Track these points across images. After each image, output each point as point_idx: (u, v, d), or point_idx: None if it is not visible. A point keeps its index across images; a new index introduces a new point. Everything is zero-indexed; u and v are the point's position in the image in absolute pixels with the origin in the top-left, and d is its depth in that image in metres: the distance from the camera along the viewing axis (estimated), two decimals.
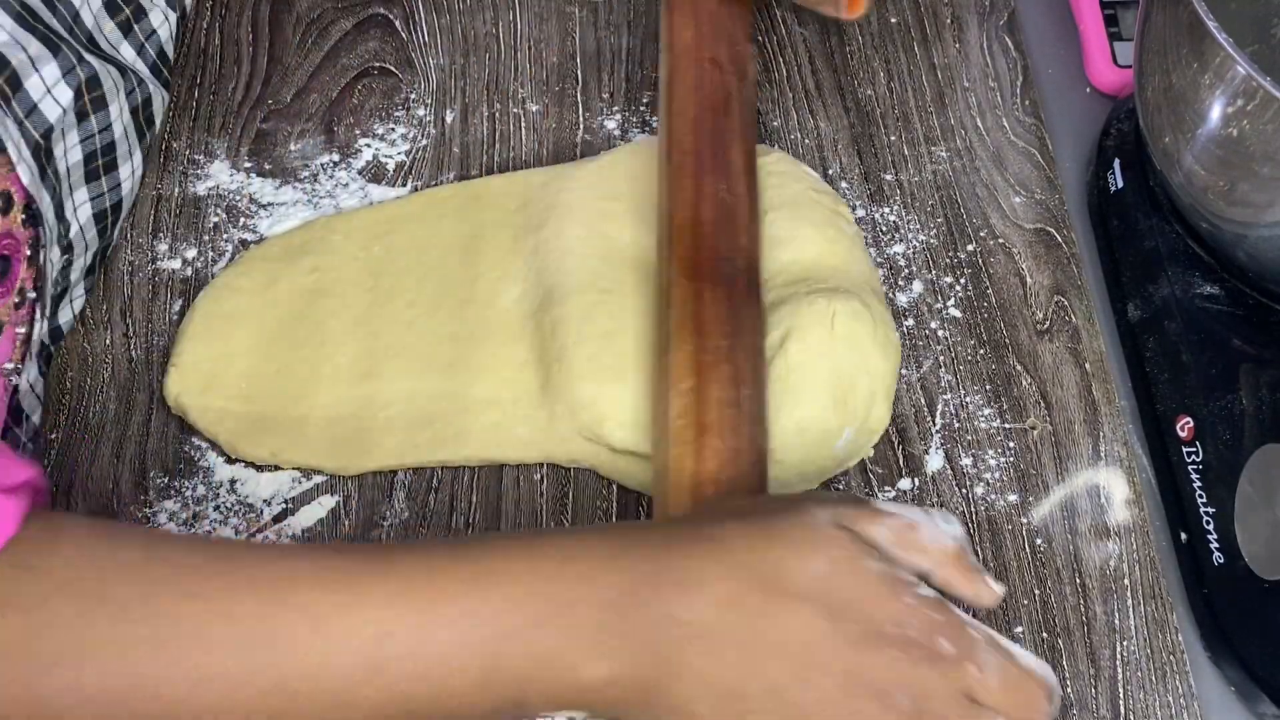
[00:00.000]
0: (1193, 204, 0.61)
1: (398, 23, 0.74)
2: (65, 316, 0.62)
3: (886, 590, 0.43)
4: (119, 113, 0.61)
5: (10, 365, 0.55)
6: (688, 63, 0.63)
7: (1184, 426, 0.60)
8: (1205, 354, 0.61)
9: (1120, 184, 0.68)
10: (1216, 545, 0.57)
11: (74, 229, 0.60)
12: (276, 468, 0.59)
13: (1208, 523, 0.57)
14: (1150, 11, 0.59)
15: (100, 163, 0.61)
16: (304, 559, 0.44)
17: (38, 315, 0.57)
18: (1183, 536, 0.58)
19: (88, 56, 0.59)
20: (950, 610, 0.44)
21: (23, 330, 0.55)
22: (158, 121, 0.67)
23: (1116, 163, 0.69)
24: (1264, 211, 0.58)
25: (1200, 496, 0.58)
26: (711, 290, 0.55)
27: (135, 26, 0.65)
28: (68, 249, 0.60)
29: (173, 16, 0.68)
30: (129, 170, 0.64)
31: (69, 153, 0.59)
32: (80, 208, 0.61)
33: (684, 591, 0.43)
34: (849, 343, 0.57)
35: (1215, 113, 0.56)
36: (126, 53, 0.64)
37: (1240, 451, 0.58)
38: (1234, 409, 0.59)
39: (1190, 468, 0.59)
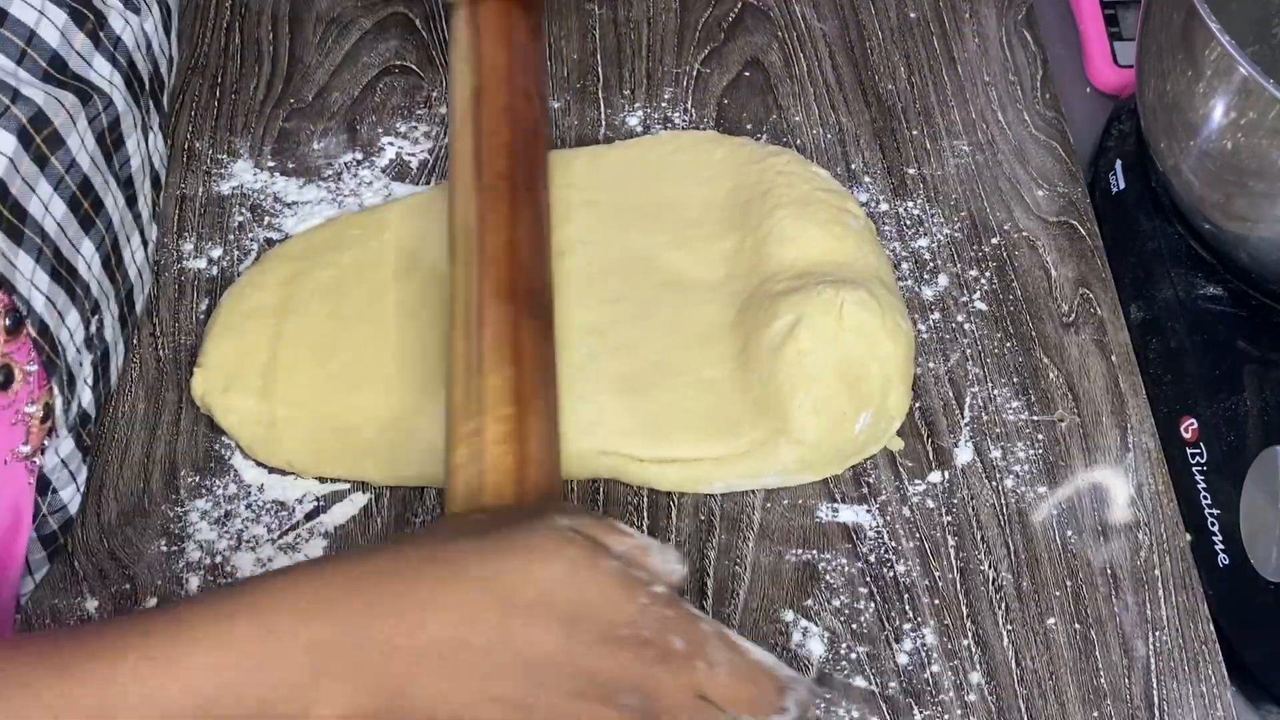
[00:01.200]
0: (1193, 206, 0.61)
1: (418, 21, 0.75)
2: (114, 377, 0.61)
3: (623, 590, 0.45)
4: (80, 144, 0.56)
5: (26, 448, 0.53)
6: (499, 85, 0.62)
7: (1188, 428, 0.60)
8: (1209, 356, 0.61)
9: (1122, 185, 0.68)
10: (1222, 546, 0.57)
11: (94, 288, 0.58)
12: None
13: (1213, 524, 0.57)
14: (1150, 12, 0.59)
15: (86, 205, 0.57)
16: (29, 649, 0.43)
17: (57, 390, 0.54)
18: (1187, 537, 0.58)
19: (26, 90, 0.53)
20: (681, 606, 0.46)
21: (31, 410, 0.53)
22: (127, 143, 0.61)
23: (1118, 164, 0.69)
24: (1266, 212, 0.58)
25: (1205, 498, 0.58)
26: (529, 321, 0.56)
27: (101, 34, 0.59)
28: (95, 309, 0.58)
29: (134, 20, 0.62)
30: (112, 202, 0.59)
31: (50, 205, 0.54)
32: (91, 261, 0.58)
33: (404, 620, 0.43)
34: (857, 331, 0.58)
35: (1216, 115, 0.56)
36: (101, 67, 0.58)
37: (1245, 453, 0.58)
38: (1238, 411, 0.59)
39: (1195, 469, 0.59)
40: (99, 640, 0.43)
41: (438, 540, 0.47)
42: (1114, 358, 0.63)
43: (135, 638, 0.42)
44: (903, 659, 0.54)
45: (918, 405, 0.61)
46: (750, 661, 0.46)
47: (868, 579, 0.56)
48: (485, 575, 0.44)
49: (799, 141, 0.70)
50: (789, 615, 0.55)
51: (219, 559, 0.57)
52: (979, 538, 0.57)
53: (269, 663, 0.42)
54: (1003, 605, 0.56)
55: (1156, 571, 0.57)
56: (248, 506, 0.58)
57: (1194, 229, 0.63)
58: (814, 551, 0.57)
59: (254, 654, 0.42)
